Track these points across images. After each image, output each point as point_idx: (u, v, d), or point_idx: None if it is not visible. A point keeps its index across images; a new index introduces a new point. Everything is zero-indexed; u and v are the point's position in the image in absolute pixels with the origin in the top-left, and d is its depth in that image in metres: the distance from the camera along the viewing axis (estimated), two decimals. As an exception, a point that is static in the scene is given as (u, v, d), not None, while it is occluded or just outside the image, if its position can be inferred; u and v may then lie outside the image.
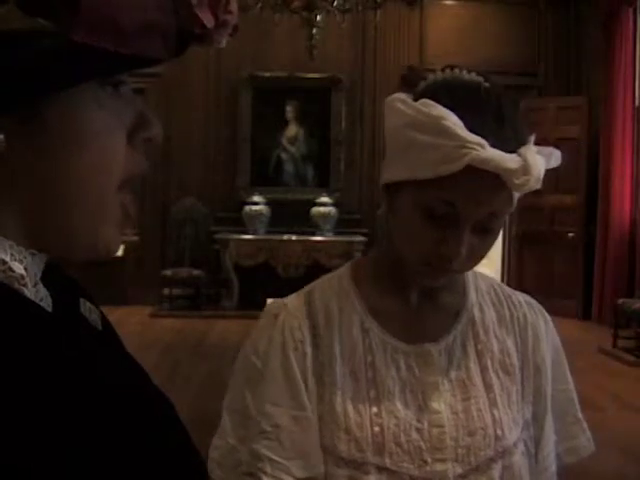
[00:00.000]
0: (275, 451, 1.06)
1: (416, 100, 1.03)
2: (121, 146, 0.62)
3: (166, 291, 8.91)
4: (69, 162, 0.59)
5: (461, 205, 1.00)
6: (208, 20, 0.59)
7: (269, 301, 1.19)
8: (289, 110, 9.15)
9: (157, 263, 8.99)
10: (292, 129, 9.22)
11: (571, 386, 1.21)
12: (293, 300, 1.15)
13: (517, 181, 0.97)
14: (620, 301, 7.35)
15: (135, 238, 9.22)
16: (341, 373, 1.09)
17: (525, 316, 1.18)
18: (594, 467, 3.92)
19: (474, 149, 0.96)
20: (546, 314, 1.22)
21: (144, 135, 0.64)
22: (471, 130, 0.97)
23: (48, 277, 0.65)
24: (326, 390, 1.08)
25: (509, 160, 0.97)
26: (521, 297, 1.22)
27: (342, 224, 8.98)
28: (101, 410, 0.58)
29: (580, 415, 1.21)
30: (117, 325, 0.76)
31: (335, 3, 6.58)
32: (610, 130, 8.39)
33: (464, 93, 1.03)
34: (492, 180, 0.98)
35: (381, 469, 1.05)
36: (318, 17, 6.57)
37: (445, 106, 0.99)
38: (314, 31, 6.62)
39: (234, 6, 0.61)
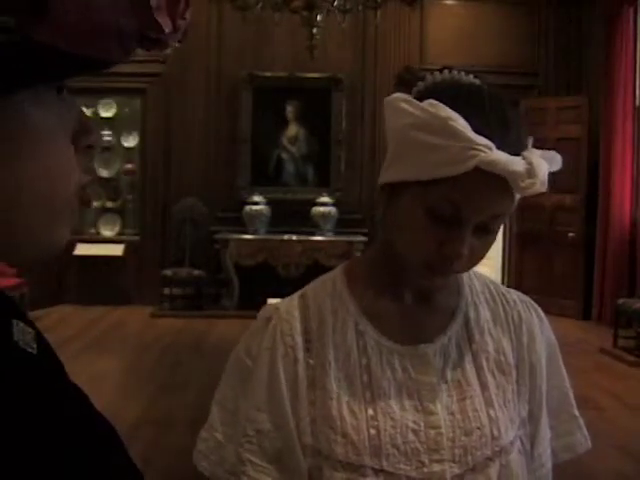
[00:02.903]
0: (257, 455, 1.07)
1: (418, 101, 1.02)
2: (68, 151, 0.60)
3: (166, 291, 8.90)
4: (18, 166, 0.56)
5: (466, 207, 1.00)
6: (166, 25, 0.58)
7: (269, 301, 1.18)
8: (289, 110, 9.15)
9: (157, 263, 8.99)
10: (292, 129, 9.22)
11: (566, 382, 1.21)
12: (286, 304, 1.14)
13: (522, 184, 0.98)
14: (620, 301, 7.35)
15: (135, 238, 9.23)
16: (335, 377, 1.08)
17: (519, 314, 1.18)
18: (594, 467, 3.92)
19: (482, 151, 0.96)
20: (540, 311, 1.22)
21: (85, 141, 0.62)
22: (477, 132, 0.97)
23: None
24: (320, 394, 1.08)
25: (515, 163, 0.97)
26: (515, 295, 1.21)
27: (342, 224, 8.98)
28: (33, 441, 0.55)
29: (576, 412, 1.21)
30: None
31: (335, 3, 6.58)
32: (610, 130, 8.39)
33: (468, 95, 1.03)
34: (497, 183, 0.98)
35: (378, 471, 1.04)
36: (318, 17, 6.56)
37: (450, 108, 0.98)
38: (314, 31, 6.61)
39: (189, 12, 0.61)
